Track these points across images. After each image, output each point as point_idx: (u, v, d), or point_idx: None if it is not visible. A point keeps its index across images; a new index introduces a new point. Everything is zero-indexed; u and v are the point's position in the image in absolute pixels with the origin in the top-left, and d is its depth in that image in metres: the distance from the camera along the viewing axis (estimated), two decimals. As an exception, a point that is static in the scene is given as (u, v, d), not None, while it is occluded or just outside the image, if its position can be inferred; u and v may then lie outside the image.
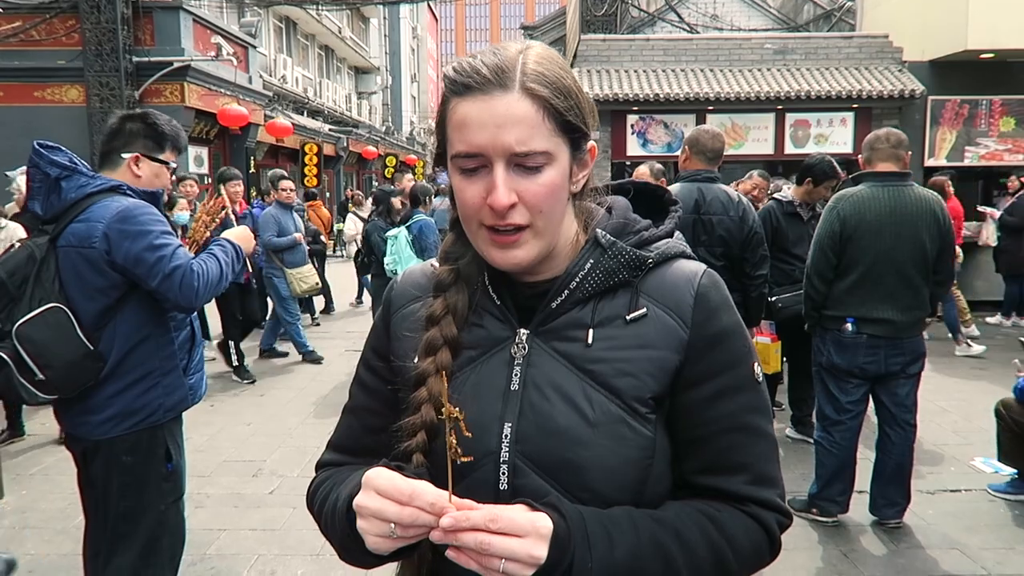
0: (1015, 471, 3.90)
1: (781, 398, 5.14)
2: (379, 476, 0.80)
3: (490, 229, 0.86)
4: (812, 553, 3.34)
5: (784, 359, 4.86)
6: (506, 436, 0.87)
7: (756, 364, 0.93)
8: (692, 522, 0.85)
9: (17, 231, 4.73)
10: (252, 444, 4.81)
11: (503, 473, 0.86)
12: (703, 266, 0.93)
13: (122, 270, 2.11)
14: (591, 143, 0.92)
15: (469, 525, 0.74)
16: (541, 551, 0.75)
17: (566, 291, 0.90)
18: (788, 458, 4.46)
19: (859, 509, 3.62)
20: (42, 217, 2.16)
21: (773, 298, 4.34)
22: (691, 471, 0.91)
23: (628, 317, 0.89)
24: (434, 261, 1.00)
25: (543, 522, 0.76)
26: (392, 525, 0.77)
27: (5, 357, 2.02)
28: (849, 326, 3.37)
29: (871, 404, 3.55)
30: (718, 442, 0.89)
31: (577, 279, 0.90)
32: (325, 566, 3.18)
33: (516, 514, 0.76)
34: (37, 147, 2.13)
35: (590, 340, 0.88)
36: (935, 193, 3.47)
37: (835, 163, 4.51)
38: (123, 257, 2.09)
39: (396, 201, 6.76)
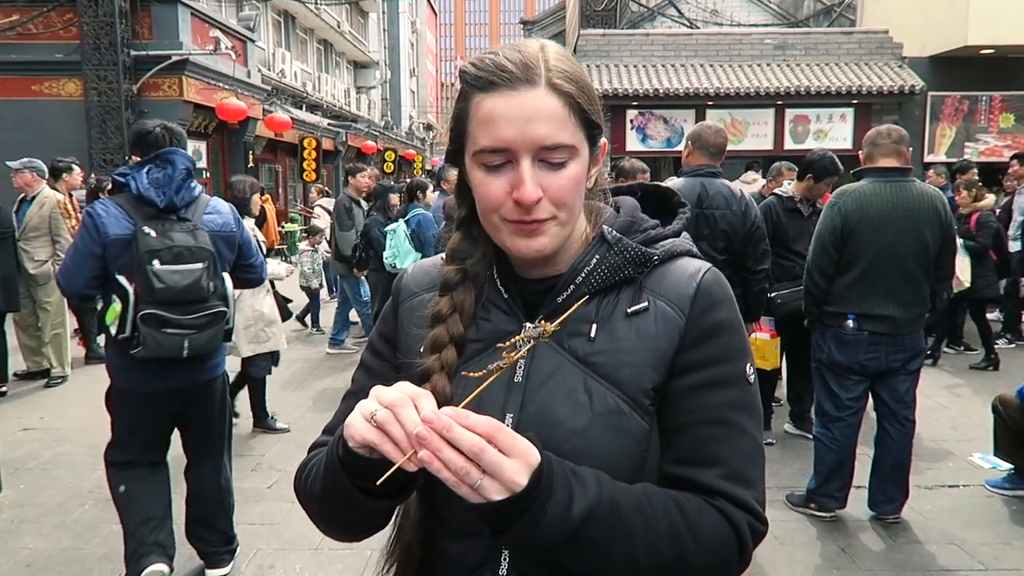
0: (1012, 466, 3.92)
1: (780, 394, 5.14)
2: (410, 383, 0.79)
3: (512, 220, 0.87)
4: (810, 548, 3.35)
5: (783, 355, 4.86)
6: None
7: (749, 365, 0.92)
8: (657, 502, 0.83)
9: None
10: (251, 438, 4.81)
11: None
12: (709, 264, 0.94)
13: (237, 248, 2.92)
14: (603, 140, 0.93)
15: (469, 423, 0.72)
16: (523, 479, 0.73)
17: (572, 286, 0.91)
18: (786, 454, 4.47)
19: (857, 504, 3.63)
20: (158, 207, 2.64)
21: (772, 294, 4.34)
22: (668, 461, 0.89)
23: (629, 310, 0.90)
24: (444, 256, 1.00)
25: (533, 452, 0.75)
26: (377, 408, 0.75)
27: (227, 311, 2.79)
28: (850, 322, 3.37)
29: (870, 400, 3.55)
30: (696, 432, 0.88)
31: (583, 274, 0.91)
32: (324, 560, 3.18)
33: (516, 435, 0.75)
34: (174, 149, 2.76)
35: (593, 334, 0.89)
36: (937, 189, 3.47)
37: (836, 159, 4.51)
38: (242, 239, 2.94)
39: (394, 197, 6.76)
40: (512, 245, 0.88)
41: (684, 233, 0.99)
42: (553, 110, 0.84)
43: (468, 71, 0.86)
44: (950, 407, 5.34)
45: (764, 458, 0.93)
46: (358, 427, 0.76)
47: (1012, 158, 7.31)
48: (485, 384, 0.82)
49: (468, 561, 0.89)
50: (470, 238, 0.95)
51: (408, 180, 9.39)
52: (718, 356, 0.89)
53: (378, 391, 0.77)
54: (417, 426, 0.72)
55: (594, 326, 0.89)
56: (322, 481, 0.87)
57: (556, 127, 0.84)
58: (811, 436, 3.80)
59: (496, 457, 0.72)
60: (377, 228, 6.37)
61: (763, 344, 4.41)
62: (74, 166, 6.55)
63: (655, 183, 1.08)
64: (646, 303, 0.90)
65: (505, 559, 0.88)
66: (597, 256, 0.91)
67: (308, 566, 3.16)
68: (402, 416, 0.74)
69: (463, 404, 0.77)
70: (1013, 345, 7.18)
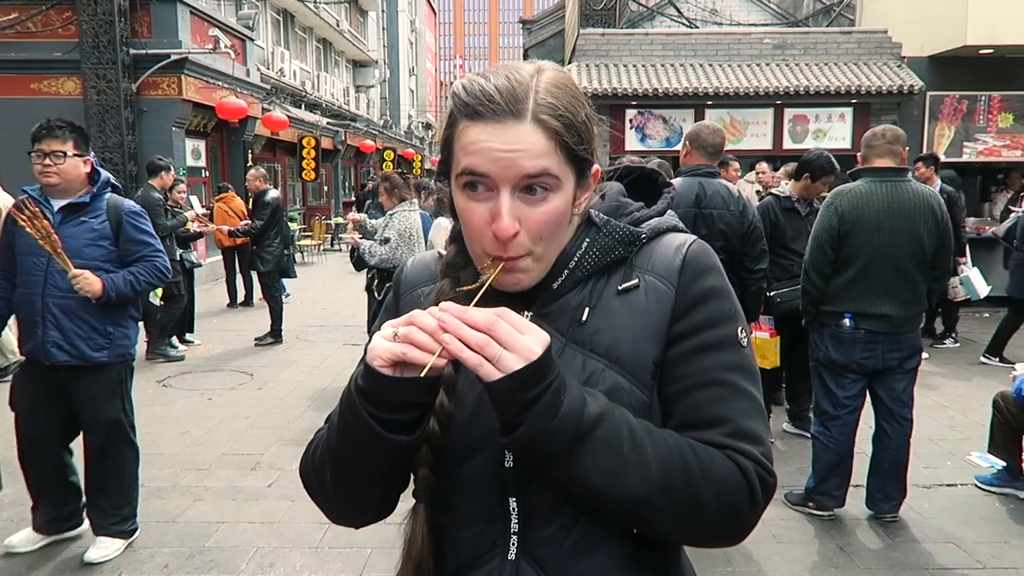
0: (1003, 464, 3.93)
1: (778, 393, 5.15)
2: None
3: (492, 255, 0.88)
4: (809, 546, 3.36)
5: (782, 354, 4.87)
6: None
7: (741, 329, 0.93)
8: (669, 435, 0.85)
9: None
10: (250, 437, 4.82)
11: (507, 451, 0.88)
12: (694, 237, 0.96)
13: None
14: (596, 167, 0.93)
15: (478, 311, 0.77)
16: (538, 348, 0.76)
17: (566, 271, 0.93)
18: (785, 453, 4.48)
19: (855, 503, 3.64)
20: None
21: (771, 293, 4.35)
22: (670, 429, 0.90)
23: (620, 287, 0.92)
24: (443, 250, 1.01)
25: (541, 332, 0.79)
26: (395, 330, 0.79)
27: None
28: (847, 321, 3.38)
29: (868, 399, 3.56)
30: (693, 396, 0.89)
31: (575, 258, 0.93)
32: (324, 559, 3.19)
33: (521, 318, 0.79)
34: None
35: (587, 315, 0.91)
36: (933, 189, 3.48)
37: (833, 159, 4.52)
38: None
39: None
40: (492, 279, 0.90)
41: (669, 212, 1.01)
42: (535, 145, 0.83)
43: (458, 95, 0.86)
44: (948, 406, 5.35)
45: (766, 416, 0.93)
46: (384, 346, 0.79)
47: (916, 161, 7.28)
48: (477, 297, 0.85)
49: (478, 547, 0.91)
50: (464, 252, 0.96)
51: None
52: (708, 321, 0.90)
53: (389, 322, 0.81)
54: (435, 321, 0.76)
55: (588, 308, 0.91)
56: (337, 430, 0.87)
57: (539, 159, 0.84)
58: (809, 435, 3.82)
59: (509, 329, 0.76)
60: (376, 227, 6.38)
61: (763, 343, 4.43)
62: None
63: (640, 165, 1.10)
64: (636, 280, 0.92)
65: (514, 544, 0.89)
66: (587, 240, 0.94)
67: (308, 564, 3.17)
68: (421, 321, 0.78)
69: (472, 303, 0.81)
70: (958, 344, 7.22)
